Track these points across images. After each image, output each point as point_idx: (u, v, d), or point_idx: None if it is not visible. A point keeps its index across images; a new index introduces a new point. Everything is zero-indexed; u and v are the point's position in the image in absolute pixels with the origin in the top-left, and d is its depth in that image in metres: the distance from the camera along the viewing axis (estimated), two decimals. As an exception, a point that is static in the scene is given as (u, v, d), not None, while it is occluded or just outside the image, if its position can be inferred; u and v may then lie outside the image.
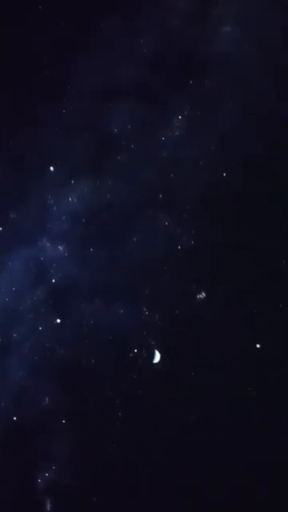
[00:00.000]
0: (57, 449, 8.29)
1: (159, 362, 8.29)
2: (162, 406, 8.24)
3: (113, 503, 7.99)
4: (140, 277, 8.50)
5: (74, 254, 8.68)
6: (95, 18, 8.95)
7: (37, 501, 8.17)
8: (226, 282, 8.42)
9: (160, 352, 8.30)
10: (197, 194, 8.59)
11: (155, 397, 8.24)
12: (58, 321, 8.50)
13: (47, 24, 8.84)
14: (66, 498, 8.16)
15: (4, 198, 8.66)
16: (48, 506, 8.21)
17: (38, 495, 8.15)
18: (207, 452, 7.99)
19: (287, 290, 8.40)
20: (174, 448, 8.06)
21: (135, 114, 8.79)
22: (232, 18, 8.55)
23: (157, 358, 8.28)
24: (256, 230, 8.50)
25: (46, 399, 8.34)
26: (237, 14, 8.51)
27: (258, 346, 8.19)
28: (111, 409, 8.26)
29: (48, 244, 8.70)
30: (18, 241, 8.56)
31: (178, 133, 8.77)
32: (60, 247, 8.67)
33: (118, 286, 8.52)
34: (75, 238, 8.72)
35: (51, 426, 8.33)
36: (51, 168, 8.83)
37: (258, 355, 8.26)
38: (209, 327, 8.35)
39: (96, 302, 8.45)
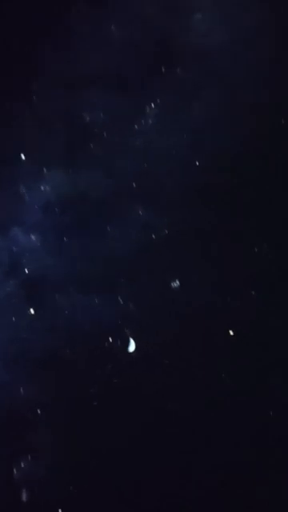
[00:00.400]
0: (32, 439, 8.26)
1: (134, 350, 8.30)
2: (137, 395, 8.26)
3: (90, 493, 8.01)
4: (114, 267, 8.48)
5: (48, 243, 8.63)
6: (65, 4, 8.84)
7: (13, 491, 8.15)
8: (201, 271, 8.45)
9: (135, 341, 8.31)
10: (171, 183, 8.58)
11: (130, 386, 8.26)
12: (32, 311, 8.44)
13: (17, 11, 8.69)
14: (42, 488, 8.15)
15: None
16: (24, 496, 8.20)
17: (14, 486, 8.13)
18: (184, 440, 8.05)
19: (261, 278, 8.47)
20: (151, 436, 8.10)
21: (107, 102, 8.75)
22: (206, 6, 8.52)
23: (132, 346, 8.30)
24: (230, 218, 8.54)
25: (21, 390, 8.30)
26: (211, 2, 8.48)
27: (231, 332, 8.26)
28: (86, 398, 8.25)
29: (20, 234, 8.62)
30: (-11, 231, 8.47)
31: (150, 121, 8.75)
32: (33, 237, 8.61)
33: (93, 276, 8.50)
34: (48, 227, 8.66)
35: (26, 416, 8.30)
36: (22, 156, 8.73)
37: (232, 342, 8.33)
38: (183, 315, 8.38)
39: (70, 292, 8.41)
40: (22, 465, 8.26)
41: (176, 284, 8.49)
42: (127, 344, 8.41)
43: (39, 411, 8.37)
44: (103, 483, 8.09)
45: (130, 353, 8.41)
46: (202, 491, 8.02)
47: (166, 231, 8.54)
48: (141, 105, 8.71)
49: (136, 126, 8.71)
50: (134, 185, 8.61)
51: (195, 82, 8.83)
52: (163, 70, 8.69)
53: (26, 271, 8.59)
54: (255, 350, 8.37)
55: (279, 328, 8.41)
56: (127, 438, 8.22)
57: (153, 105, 8.72)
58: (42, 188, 8.68)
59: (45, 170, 8.72)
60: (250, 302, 8.45)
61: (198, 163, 8.54)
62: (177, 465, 8.13)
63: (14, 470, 8.24)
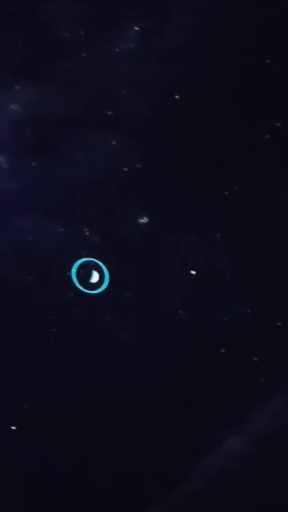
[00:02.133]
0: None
1: (96, 281, 8.33)
2: (95, 327, 8.38)
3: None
4: (82, 196, 8.30)
5: (14, 166, 8.31)
6: None
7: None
8: (170, 208, 8.38)
9: (98, 273, 8.32)
10: (147, 114, 8.28)
11: (89, 318, 8.35)
12: (-6, 235, 8.27)
13: None
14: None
15: None
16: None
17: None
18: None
19: (228, 218, 8.49)
20: (109, 370, 8.29)
21: (89, 20, 8.19)
22: None
23: (94, 277, 8.31)
24: (204, 156, 8.39)
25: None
26: None
27: (193, 272, 8.36)
28: (45, 326, 8.32)
29: (-15, 154, 8.27)
30: None
31: (132, 45, 8.30)
32: (0, 158, 8.27)
33: (59, 203, 8.32)
34: (15, 149, 8.31)
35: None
36: (-9, 69, 8.20)
37: (192, 281, 8.45)
38: (147, 251, 8.40)
39: (35, 218, 8.24)
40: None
41: (144, 220, 8.41)
42: (90, 275, 8.40)
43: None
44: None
45: (92, 284, 8.42)
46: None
47: (139, 165, 8.33)
48: (124, 27, 8.19)
49: (117, 50, 8.25)
50: (110, 112, 8.25)
51: (182, 6, 8.32)
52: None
53: (-10, 193, 8.32)
54: (217, 289, 8.51)
55: (238, 265, 8.53)
56: (83, 372, 8.38)
57: (136, 28, 8.23)
58: (12, 107, 8.23)
59: (16, 87, 8.23)
60: (217, 243, 8.49)
61: (178, 97, 8.20)
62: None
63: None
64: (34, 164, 8.24)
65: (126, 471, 7.92)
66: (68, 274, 8.38)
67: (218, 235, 8.39)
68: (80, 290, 8.36)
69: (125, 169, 8.32)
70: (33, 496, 8.11)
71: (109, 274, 8.43)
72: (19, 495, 8.07)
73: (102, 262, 8.38)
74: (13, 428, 8.11)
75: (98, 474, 7.86)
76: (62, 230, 8.30)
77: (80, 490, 8.09)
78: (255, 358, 8.18)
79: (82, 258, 8.41)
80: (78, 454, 7.99)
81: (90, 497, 7.97)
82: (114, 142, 8.27)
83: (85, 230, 8.33)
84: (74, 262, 8.35)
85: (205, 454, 8.00)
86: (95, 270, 8.39)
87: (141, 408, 8.06)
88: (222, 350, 8.20)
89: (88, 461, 7.95)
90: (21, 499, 8.04)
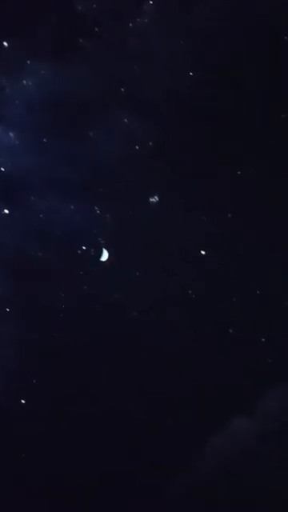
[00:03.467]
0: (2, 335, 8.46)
1: (107, 260, 8.38)
2: (105, 302, 8.46)
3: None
4: (94, 174, 8.28)
5: (27, 142, 8.29)
6: None
7: None
8: (181, 188, 8.35)
9: (108, 251, 8.36)
10: (162, 92, 8.18)
11: (99, 293, 8.42)
12: (6, 211, 8.31)
13: None
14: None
15: None
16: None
17: None
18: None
19: (240, 199, 8.46)
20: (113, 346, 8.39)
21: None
22: None
23: (104, 256, 8.36)
24: (218, 135, 8.30)
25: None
26: None
27: (202, 252, 8.38)
28: (55, 301, 8.41)
29: (-2, 129, 8.24)
30: None
31: (147, 20, 8.16)
32: (11, 134, 8.24)
33: (71, 181, 8.31)
34: (28, 125, 8.27)
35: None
36: (5, 43, 8.12)
37: (202, 261, 8.47)
38: (158, 231, 8.40)
39: (47, 195, 8.25)
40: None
41: (155, 199, 8.40)
42: (100, 253, 8.44)
43: (8, 309, 8.50)
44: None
45: (102, 261, 8.47)
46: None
47: (151, 143, 8.27)
48: (137, 1, 8.04)
49: (131, 24, 8.11)
50: (123, 90, 8.16)
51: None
52: None
53: (2, 169, 8.31)
54: (224, 268, 8.53)
55: (248, 246, 8.53)
56: (89, 345, 8.48)
57: (151, 2, 8.07)
58: (25, 82, 8.16)
59: (28, 61, 8.15)
60: (228, 223, 8.48)
61: (191, 74, 8.09)
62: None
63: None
64: (45, 141, 8.19)
65: (139, 452, 8.06)
66: (79, 251, 8.41)
67: (229, 215, 8.35)
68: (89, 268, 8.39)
69: (137, 147, 8.25)
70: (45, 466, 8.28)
71: (120, 250, 8.45)
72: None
73: (112, 241, 8.39)
74: (22, 401, 8.23)
75: (113, 453, 7.99)
76: (72, 207, 8.29)
77: (99, 467, 8.24)
78: (263, 339, 8.22)
79: (93, 236, 8.42)
80: (94, 429, 8.11)
81: (104, 474, 8.12)
82: (125, 120, 8.19)
83: (95, 208, 8.32)
84: (84, 239, 8.37)
85: (215, 433, 8.12)
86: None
87: (150, 387, 8.16)
88: (231, 331, 8.25)
89: (105, 440, 8.08)
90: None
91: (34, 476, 8.06)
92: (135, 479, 7.97)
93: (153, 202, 8.35)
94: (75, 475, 8.03)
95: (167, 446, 8.02)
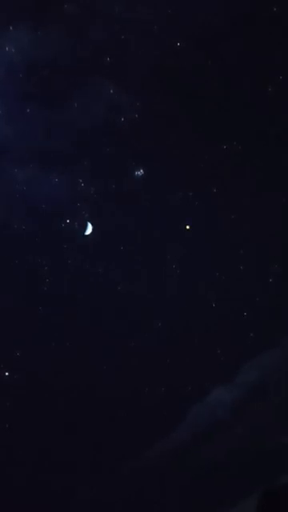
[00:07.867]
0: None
1: (90, 234, 8.32)
2: (87, 274, 8.44)
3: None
4: (78, 146, 8.12)
5: (9, 112, 8.04)
6: None
7: None
8: (167, 161, 8.26)
9: (92, 225, 8.29)
10: (147, 62, 7.99)
11: (81, 266, 8.39)
12: (-12, 183, 8.12)
13: None
14: None
15: None
16: None
17: None
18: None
19: (226, 173, 8.41)
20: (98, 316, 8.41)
21: None
22: None
23: (88, 230, 8.29)
24: (204, 108, 8.19)
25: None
26: None
27: (187, 227, 8.38)
28: (38, 273, 8.35)
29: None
30: None
31: (134, -13, 7.86)
32: (-7, 103, 7.97)
33: (55, 153, 8.13)
34: (10, 94, 8.00)
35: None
36: (-15, 7, 7.76)
37: (187, 235, 8.47)
38: (143, 204, 8.34)
39: (30, 167, 8.08)
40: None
41: (140, 172, 8.30)
42: (84, 227, 8.37)
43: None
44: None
45: (86, 235, 8.41)
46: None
47: (137, 115, 8.11)
48: None
49: (117, -9, 7.81)
50: (108, 59, 7.93)
51: None
52: None
53: (-17, 139, 8.07)
54: (209, 243, 8.55)
55: (233, 221, 8.55)
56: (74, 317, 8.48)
57: None
58: (7, 48, 7.86)
59: (11, 27, 7.83)
60: (213, 198, 8.46)
61: (179, 44, 7.89)
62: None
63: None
64: (28, 111, 7.94)
65: (121, 419, 8.19)
66: (63, 225, 8.30)
67: (215, 190, 8.30)
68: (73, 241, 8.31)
69: (122, 119, 8.07)
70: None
71: (104, 224, 8.36)
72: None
73: (97, 214, 8.29)
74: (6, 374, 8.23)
75: (97, 418, 8.10)
76: (56, 180, 8.13)
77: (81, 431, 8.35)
78: (245, 313, 8.32)
79: (76, 209, 8.30)
80: (78, 399, 8.19)
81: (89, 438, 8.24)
82: (111, 91, 7.98)
83: (80, 180, 8.18)
84: (69, 212, 8.25)
85: (194, 404, 8.27)
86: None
87: (135, 355, 8.24)
88: (213, 304, 8.31)
89: (90, 409, 8.16)
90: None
91: (19, 447, 8.11)
92: (119, 442, 8.11)
93: (138, 175, 8.22)
94: (60, 445, 8.11)
95: (149, 413, 8.16)
